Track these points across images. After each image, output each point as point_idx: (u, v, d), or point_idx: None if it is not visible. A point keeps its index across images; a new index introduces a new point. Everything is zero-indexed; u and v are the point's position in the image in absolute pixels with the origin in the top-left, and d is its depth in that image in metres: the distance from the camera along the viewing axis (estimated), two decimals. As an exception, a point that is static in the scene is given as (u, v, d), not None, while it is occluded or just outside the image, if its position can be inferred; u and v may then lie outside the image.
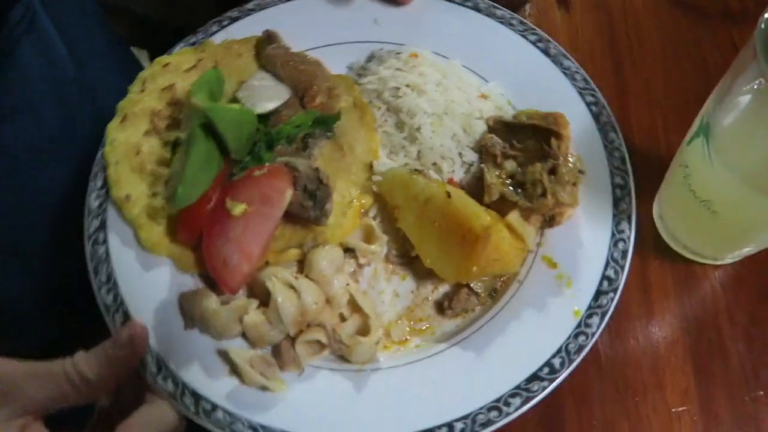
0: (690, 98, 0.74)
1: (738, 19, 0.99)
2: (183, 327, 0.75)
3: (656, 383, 0.75)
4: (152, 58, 0.93)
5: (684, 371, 0.75)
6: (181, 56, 0.91)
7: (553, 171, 0.76)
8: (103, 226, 0.80)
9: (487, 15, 0.94)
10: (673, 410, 0.73)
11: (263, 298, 0.75)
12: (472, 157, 0.85)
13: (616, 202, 0.79)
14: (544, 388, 0.69)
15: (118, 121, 0.85)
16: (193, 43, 0.94)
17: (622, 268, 0.75)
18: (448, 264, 0.75)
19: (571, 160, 0.77)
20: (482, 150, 0.84)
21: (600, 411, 0.74)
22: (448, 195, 0.75)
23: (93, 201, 0.82)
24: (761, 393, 0.74)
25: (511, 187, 0.79)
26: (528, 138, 0.81)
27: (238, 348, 0.72)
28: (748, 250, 0.78)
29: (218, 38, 0.94)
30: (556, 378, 0.69)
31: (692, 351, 0.76)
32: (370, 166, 0.85)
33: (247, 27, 0.95)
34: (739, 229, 0.74)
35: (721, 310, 0.79)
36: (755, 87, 0.60)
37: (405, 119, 0.86)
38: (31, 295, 0.96)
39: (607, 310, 0.73)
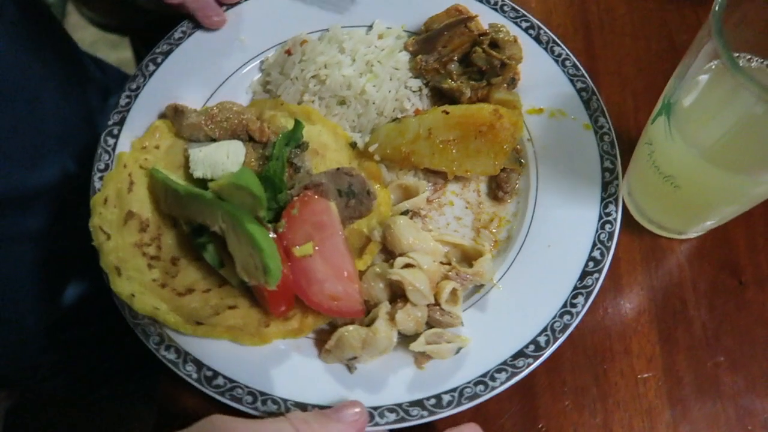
0: (659, 78, 0.75)
1: (703, -1, 1.01)
2: (349, 373, 0.74)
3: (624, 350, 0.78)
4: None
5: (650, 339, 0.79)
6: (109, 185, 0.82)
7: (493, 43, 0.87)
8: (199, 366, 0.74)
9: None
10: (639, 376, 0.77)
11: (387, 296, 0.77)
12: (417, 83, 0.92)
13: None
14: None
15: (116, 277, 0.76)
16: (105, 168, 0.86)
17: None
18: (485, 162, 0.84)
19: (495, 27, 0.89)
20: (421, 73, 0.91)
21: (570, 377, 0.77)
22: (446, 112, 0.83)
23: (167, 353, 0.74)
24: (722, 358, 0.77)
25: (468, 80, 0.89)
26: (448, 38, 0.90)
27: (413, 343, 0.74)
28: (710, 224, 0.81)
29: (124, 146, 0.87)
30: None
31: (658, 320, 0.80)
32: (351, 147, 0.88)
33: (135, 120, 0.89)
34: (700, 203, 0.76)
35: (686, 281, 0.82)
36: (712, 67, 0.61)
37: (344, 93, 0.90)
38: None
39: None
